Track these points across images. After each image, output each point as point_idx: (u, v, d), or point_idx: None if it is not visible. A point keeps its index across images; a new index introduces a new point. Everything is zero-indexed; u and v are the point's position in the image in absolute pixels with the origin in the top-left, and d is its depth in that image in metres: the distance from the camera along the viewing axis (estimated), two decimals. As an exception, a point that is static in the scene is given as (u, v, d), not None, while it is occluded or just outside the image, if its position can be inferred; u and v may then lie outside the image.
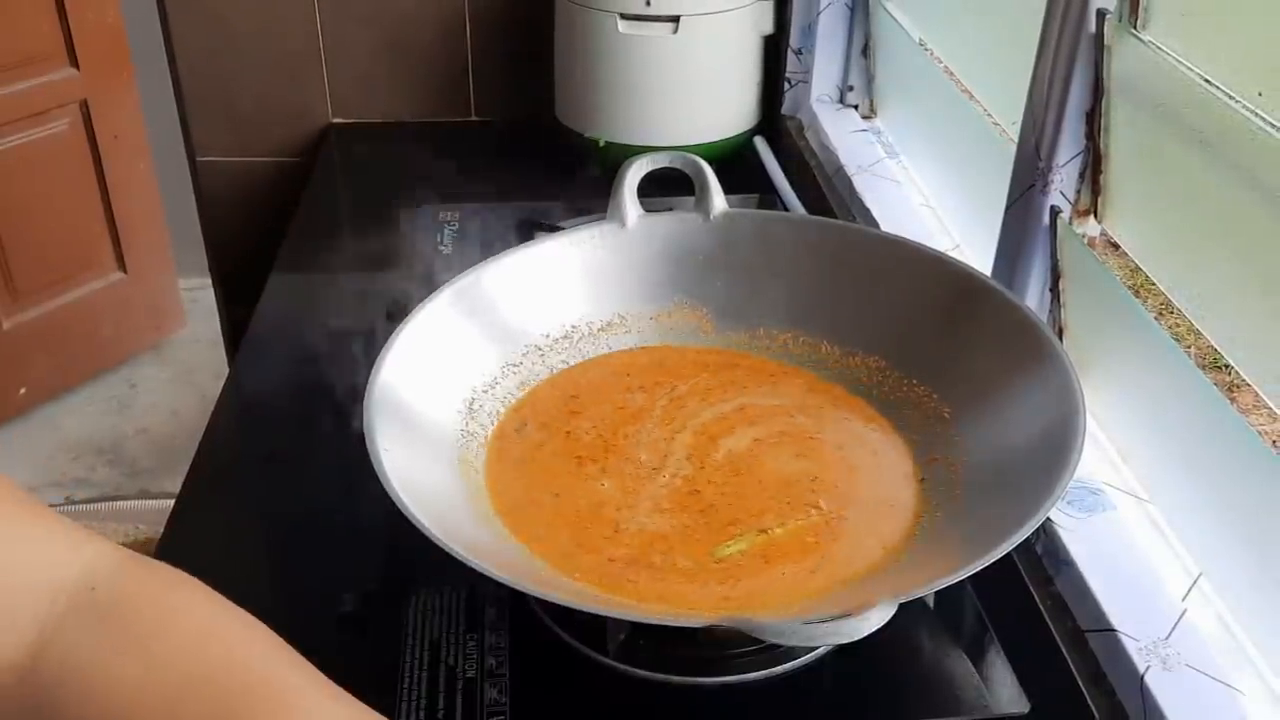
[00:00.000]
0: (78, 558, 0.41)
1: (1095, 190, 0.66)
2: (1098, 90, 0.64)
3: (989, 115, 0.82)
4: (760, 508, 0.61)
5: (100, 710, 0.38)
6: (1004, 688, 0.56)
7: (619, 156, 0.80)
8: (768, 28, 1.12)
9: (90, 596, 0.40)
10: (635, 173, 0.73)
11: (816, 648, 0.58)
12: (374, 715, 0.40)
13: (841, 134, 1.05)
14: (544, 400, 0.69)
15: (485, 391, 0.68)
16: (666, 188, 0.76)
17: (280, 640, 0.42)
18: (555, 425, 0.67)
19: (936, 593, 0.58)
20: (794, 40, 1.12)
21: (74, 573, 0.41)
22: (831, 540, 0.59)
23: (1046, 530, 0.61)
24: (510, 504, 0.62)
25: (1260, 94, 0.50)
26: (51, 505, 1.98)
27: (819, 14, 1.07)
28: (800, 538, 0.60)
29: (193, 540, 0.69)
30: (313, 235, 1.06)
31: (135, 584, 0.42)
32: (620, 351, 0.73)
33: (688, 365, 0.72)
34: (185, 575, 0.44)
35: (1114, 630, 0.55)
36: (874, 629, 0.45)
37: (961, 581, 0.49)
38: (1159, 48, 0.58)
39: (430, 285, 0.68)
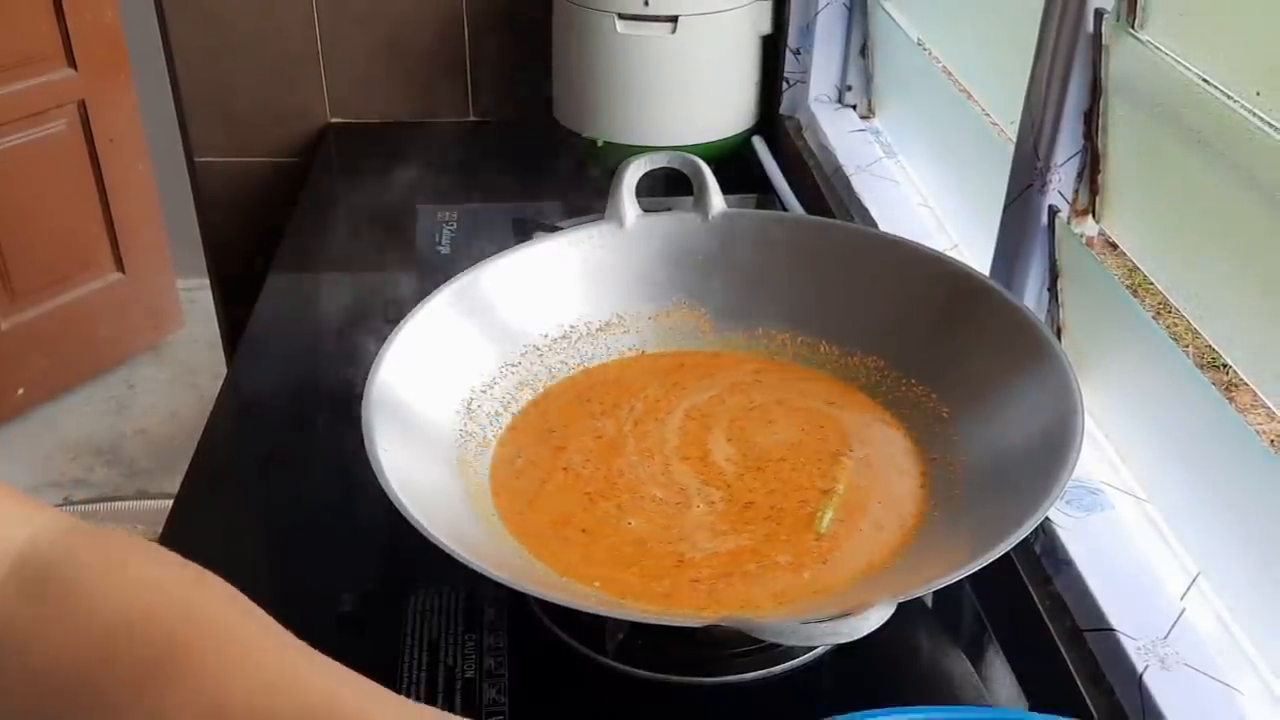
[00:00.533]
0: (22, 529, 0.41)
1: (1093, 190, 0.66)
2: (1096, 90, 0.64)
3: (987, 115, 0.82)
4: (807, 480, 0.63)
5: (34, 669, 0.38)
6: (1002, 687, 0.56)
7: (617, 156, 0.80)
8: (766, 27, 1.12)
9: (29, 564, 0.40)
10: (634, 173, 0.73)
11: (815, 647, 0.58)
12: (322, 662, 0.38)
13: (840, 134, 1.05)
14: (526, 431, 0.68)
15: (484, 391, 0.68)
16: (665, 188, 0.76)
17: (233, 591, 0.41)
18: (545, 461, 0.65)
19: (935, 592, 0.58)
20: (792, 40, 1.12)
21: (17, 544, 0.41)
22: (875, 475, 0.63)
23: (1045, 530, 0.61)
24: (536, 536, 0.60)
25: (1258, 93, 0.50)
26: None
27: (817, 14, 1.07)
28: (855, 485, 0.62)
29: (191, 541, 0.69)
30: (311, 235, 1.06)
31: (73, 548, 0.41)
32: (579, 373, 0.72)
33: (638, 376, 0.72)
34: (137, 540, 0.43)
35: (1112, 629, 0.55)
36: (873, 628, 0.45)
37: (960, 581, 0.49)
38: (1157, 47, 0.59)
39: (428, 285, 0.68)
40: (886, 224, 0.89)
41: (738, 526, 0.60)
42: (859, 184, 0.96)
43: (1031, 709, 0.55)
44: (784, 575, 0.57)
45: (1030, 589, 0.61)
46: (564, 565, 0.58)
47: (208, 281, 1.39)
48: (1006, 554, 0.49)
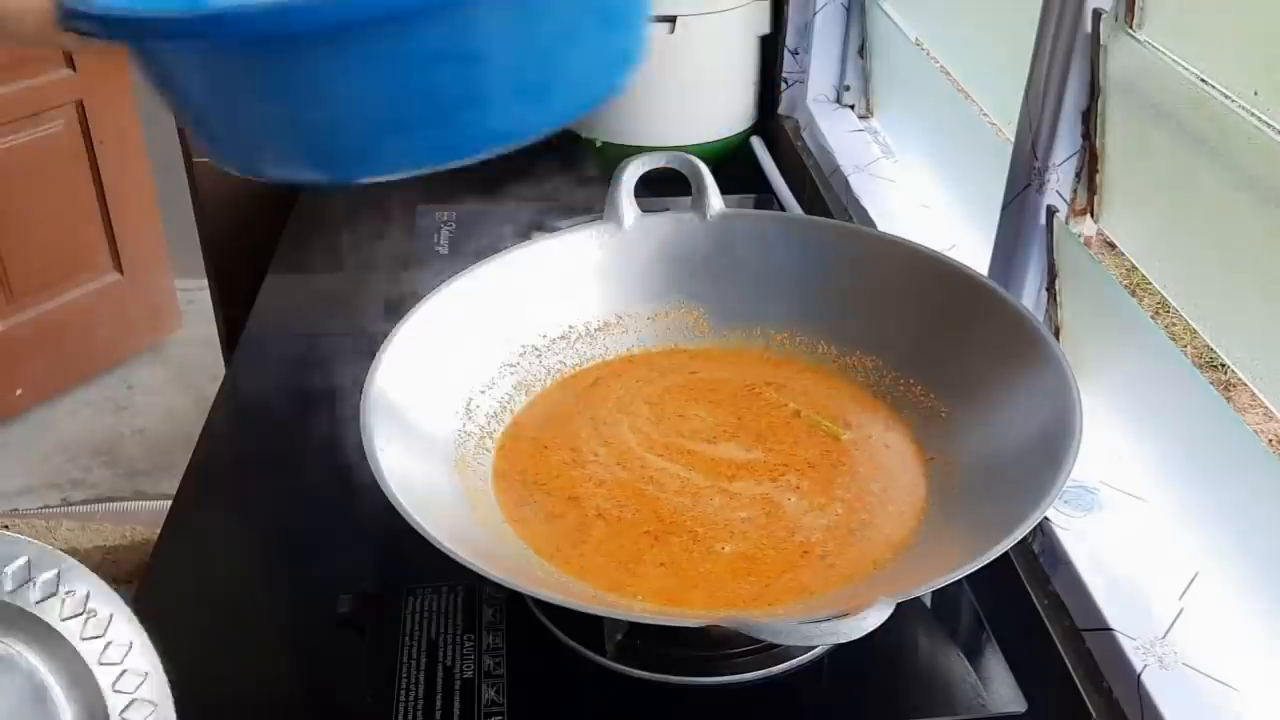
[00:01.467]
0: None
1: (1091, 189, 0.66)
2: (1094, 89, 0.64)
3: (985, 115, 0.82)
4: (796, 423, 0.68)
5: None
6: (1001, 687, 0.56)
7: (616, 157, 0.80)
8: (764, 28, 1.12)
9: None
10: (632, 173, 0.73)
11: (814, 647, 0.58)
12: None
13: (838, 134, 1.05)
14: (516, 478, 0.65)
15: (483, 392, 0.68)
16: (663, 188, 0.76)
17: None
18: (571, 511, 0.62)
19: (934, 592, 0.58)
20: (790, 40, 1.12)
21: None
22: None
23: (1043, 529, 0.61)
24: (599, 572, 0.59)
25: (1256, 93, 0.50)
26: (48, 507, 1.96)
27: (815, 14, 1.07)
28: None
29: (190, 542, 0.69)
30: (309, 236, 1.06)
31: None
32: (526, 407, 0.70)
33: (571, 401, 0.70)
34: None
35: (1111, 629, 0.55)
36: (872, 628, 0.45)
37: (959, 581, 0.49)
38: (1155, 47, 0.59)
39: (427, 286, 0.68)
40: (885, 224, 0.89)
41: (829, 491, 0.62)
42: (857, 184, 0.96)
43: (1030, 708, 0.55)
44: (888, 507, 0.61)
45: (1029, 588, 0.61)
46: (654, 592, 0.57)
47: (206, 282, 1.39)
48: (1005, 554, 0.49)
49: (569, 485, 0.64)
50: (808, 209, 1.02)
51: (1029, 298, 0.71)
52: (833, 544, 0.59)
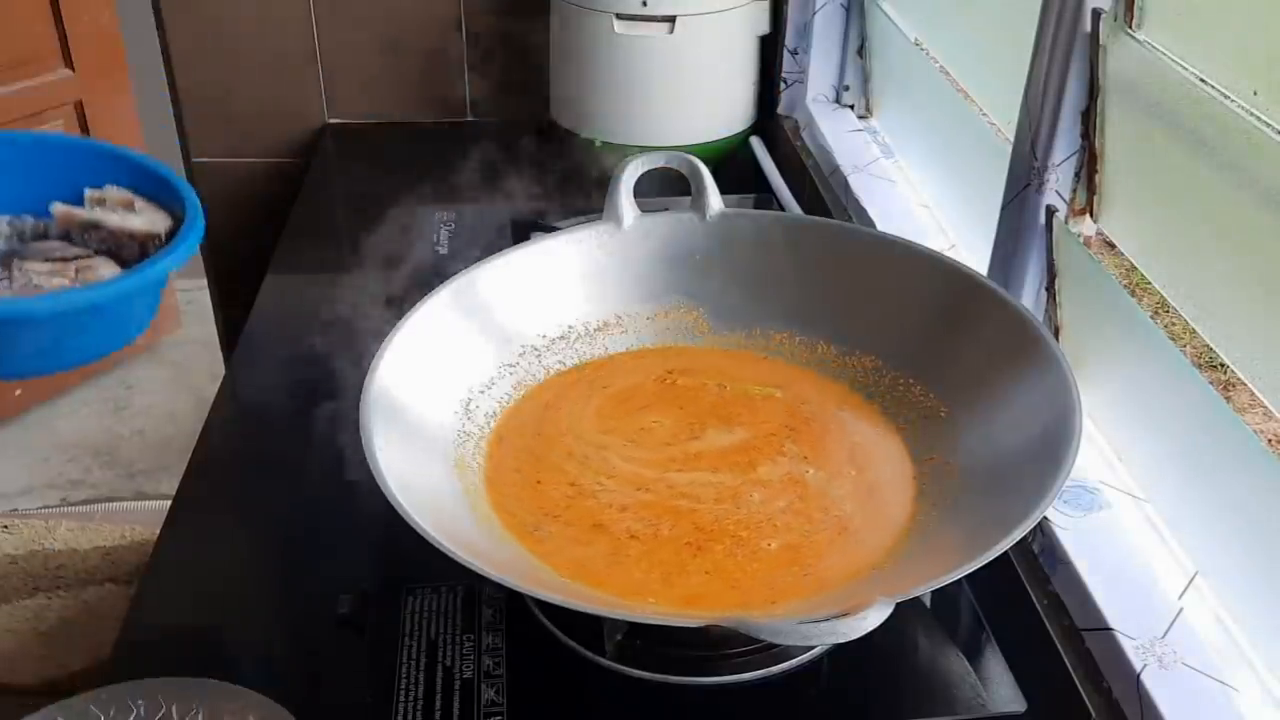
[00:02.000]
0: None
1: (1091, 189, 0.66)
2: (1093, 89, 0.64)
3: (985, 115, 0.82)
4: (756, 405, 0.70)
5: None
6: (1001, 686, 0.56)
7: (615, 156, 0.80)
8: (764, 28, 1.12)
9: None
10: (631, 173, 0.73)
11: (813, 647, 0.58)
12: None
13: (837, 133, 1.05)
14: (528, 499, 0.63)
15: (482, 392, 0.68)
16: (663, 188, 0.76)
17: None
18: (599, 539, 0.60)
19: (933, 592, 0.58)
20: (790, 40, 1.12)
21: None
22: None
23: (1043, 529, 0.61)
24: (632, 585, 0.57)
25: (1255, 93, 0.50)
26: (47, 507, 1.95)
27: (815, 14, 1.07)
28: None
29: (189, 542, 0.69)
30: (308, 236, 1.06)
31: None
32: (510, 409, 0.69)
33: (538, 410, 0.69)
34: None
35: (1110, 629, 0.55)
36: (871, 628, 0.45)
37: (958, 580, 0.49)
38: (1154, 47, 0.59)
39: (427, 286, 0.68)
40: (884, 224, 0.89)
41: (827, 451, 0.64)
42: (857, 184, 0.96)
43: (1030, 708, 0.55)
44: (877, 467, 0.64)
45: (1028, 588, 0.61)
46: (684, 596, 0.56)
47: (205, 282, 1.39)
48: (1004, 553, 0.49)
49: (587, 514, 0.62)
50: (807, 209, 1.02)
51: (1029, 298, 0.71)
52: (861, 516, 0.60)
